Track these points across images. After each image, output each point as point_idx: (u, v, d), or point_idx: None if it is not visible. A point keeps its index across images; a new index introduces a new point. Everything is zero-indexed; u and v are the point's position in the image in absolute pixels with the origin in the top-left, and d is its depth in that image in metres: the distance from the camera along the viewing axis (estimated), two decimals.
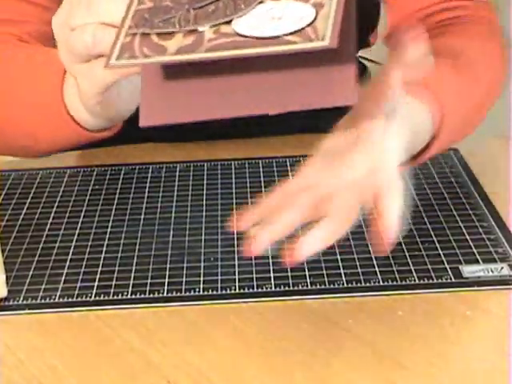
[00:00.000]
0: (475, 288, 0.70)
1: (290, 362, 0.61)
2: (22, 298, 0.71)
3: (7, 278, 0.73)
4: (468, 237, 0.77)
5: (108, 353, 0.63)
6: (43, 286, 0.73)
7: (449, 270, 0.72)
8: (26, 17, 0.85)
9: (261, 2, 0.59)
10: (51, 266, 0.75)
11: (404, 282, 0.70)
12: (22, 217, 0.84)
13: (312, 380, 0.60)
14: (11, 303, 0.71)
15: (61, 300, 0.71)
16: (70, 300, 0.69)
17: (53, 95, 0.75)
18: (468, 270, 0.72)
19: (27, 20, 0.85)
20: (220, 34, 0.58)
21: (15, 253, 0.78)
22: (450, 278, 0.71)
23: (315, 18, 0.57)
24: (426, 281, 0.71)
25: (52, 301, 0.71)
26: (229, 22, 0.58)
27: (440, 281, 0.71)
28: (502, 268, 0.72)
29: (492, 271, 0.72)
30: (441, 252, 0.75)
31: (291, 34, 0.56)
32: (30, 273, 0.75)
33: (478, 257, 0.74)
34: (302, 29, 0.57)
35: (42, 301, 0.71)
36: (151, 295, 0.70)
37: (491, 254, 0.74)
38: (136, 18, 0.60)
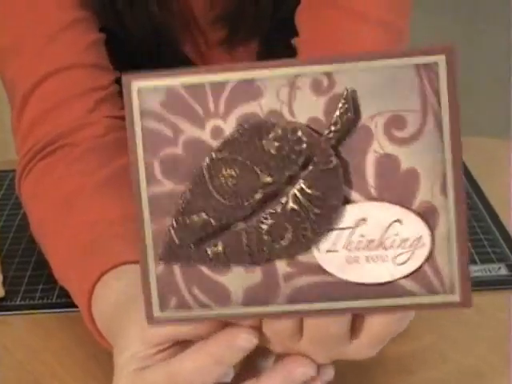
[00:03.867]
0: (473, 288, 0.70)
1: None
2: (19, 299, 0.71)
3: (4, 279, 0.73)
4: None
5: (106, 353, 0.63)
6: (41, 287, 0.73)
7: None
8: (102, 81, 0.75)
9: (345, 203, 0.43)
10: (49, 266, 0.75)
11: None
12: (19, 217, 0.84)
13: None
14: (9, 303, 0.71)
15: (58, 300, 0.71)
16: (67, 300, 0.69)
17: (80, 296, 0.61)
18: None
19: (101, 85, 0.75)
20: (300, 268, 0.44)
21: (13, 253, 0.78)
22: None
23: (432, 246, 0.43)
24: None
25: (49, 301, 0.71)
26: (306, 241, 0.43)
27: None
28: (500, 268, 0.72)
29: (490, 271, 0.72)
30: None
31: (404, 277, 0.43)
32: (28, 273, 0.75)
33: (475, 257, 0.74)
34: (419, 268, 0.43)
35: (40, 301, 0.71)
36: None
37: (489, 255, 0.74)
38: (159, 236, 0.45)
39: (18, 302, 0.71)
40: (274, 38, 0.84)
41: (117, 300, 0.55)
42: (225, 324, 0.47)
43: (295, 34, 0.76)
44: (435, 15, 2.31)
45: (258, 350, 0.49)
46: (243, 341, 0.46)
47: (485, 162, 0.92)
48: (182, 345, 0.49)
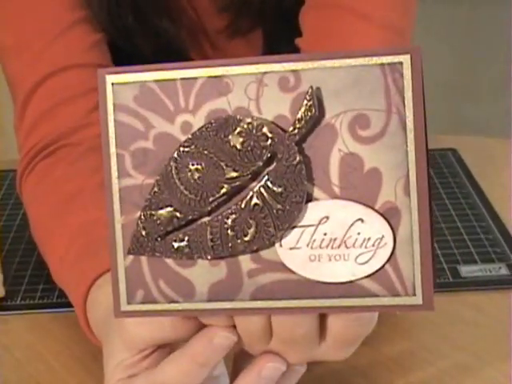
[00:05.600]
0: (473, 288, 0.70)
1: None
2: (19, 299, 0.71)
3: (5, 278, 0.73)
4: (466, 237, 0.77)
5: None
6: (41, 286, 0.73)
7: (447, 269, 0.72)
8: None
9: (309, 201, 0.43)
10: None
11: None
12: (20, 216, 0.84)
13: (311, 380, 0.60)
14: (9, 303, 0.71)
15: (58, 300, 0.71)
16: (67, 300, 0.69)
17: (75, 295, 0.61)
18: (466, 270, 0.72)
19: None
20: (263, 264, 0.44)
21: (13, 253, 0.78)
22: (448, 278, 0.71)
23: (394, 246, 0.43)
24: None
25: (50, 301, 0.71)
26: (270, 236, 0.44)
27: (438, 281, 0.71)
28: (500, 268, 0.72)
29: (490, 271, 0.72)
30: (439, 252, 0.75)
31: (366, 277, 0.43)
32: (28, 273, 0.75)
33: (476, 257, 0.74)
34: (380, 269, 0.43)
35: (40, 301, 0.71)
36: None
37: (489, 254, 0.74)
38: (129, 228, 0.45)
39: (18, 302, 0.71)
40: (278, 39, 0.84)
41: (107, 305, 0.54)
42: (203, 326, 0.47)
43: (299, 34, 0.76)
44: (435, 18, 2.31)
45: (247, 359, 0.49)
46: (222, 338, 0.46)
47: (485, 162, 0.92)
48: (165, 349, 0.49)
